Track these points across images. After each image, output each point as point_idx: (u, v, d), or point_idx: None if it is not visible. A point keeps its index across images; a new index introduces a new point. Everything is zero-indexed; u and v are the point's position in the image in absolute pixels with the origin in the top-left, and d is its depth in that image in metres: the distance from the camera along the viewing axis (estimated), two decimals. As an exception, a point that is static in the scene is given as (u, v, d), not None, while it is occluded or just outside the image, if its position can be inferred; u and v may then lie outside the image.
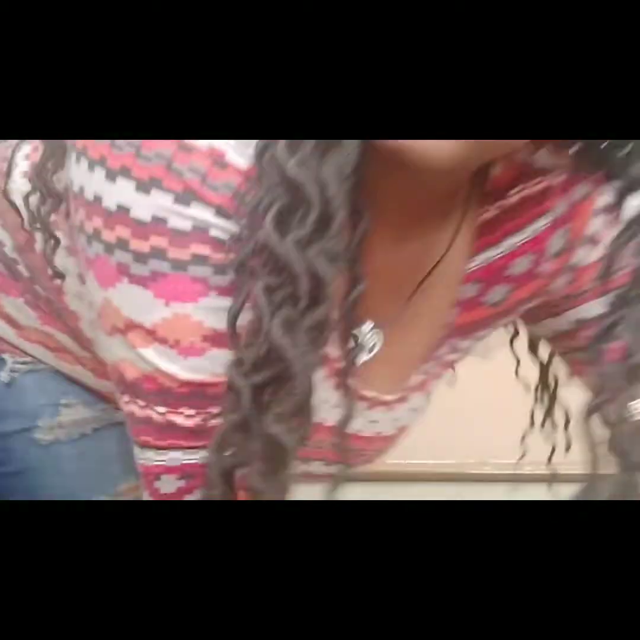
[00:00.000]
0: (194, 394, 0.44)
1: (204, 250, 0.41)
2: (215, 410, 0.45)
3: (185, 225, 0.41)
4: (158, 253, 0.41)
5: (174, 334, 0.42)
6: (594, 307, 0.51)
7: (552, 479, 1.20)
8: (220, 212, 0.42)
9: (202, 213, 0.42)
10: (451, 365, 0.63)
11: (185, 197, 0.41)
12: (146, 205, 0.41)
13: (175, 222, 0.41)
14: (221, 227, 0.42)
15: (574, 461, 1.20)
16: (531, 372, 1.31)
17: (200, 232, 0.41)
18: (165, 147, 0.43)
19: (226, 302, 0.41)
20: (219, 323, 0.42)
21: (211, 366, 0.44)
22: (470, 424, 1.25)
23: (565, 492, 1.15)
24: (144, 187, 0.42)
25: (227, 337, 0.41)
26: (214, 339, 0.43)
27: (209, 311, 0.42)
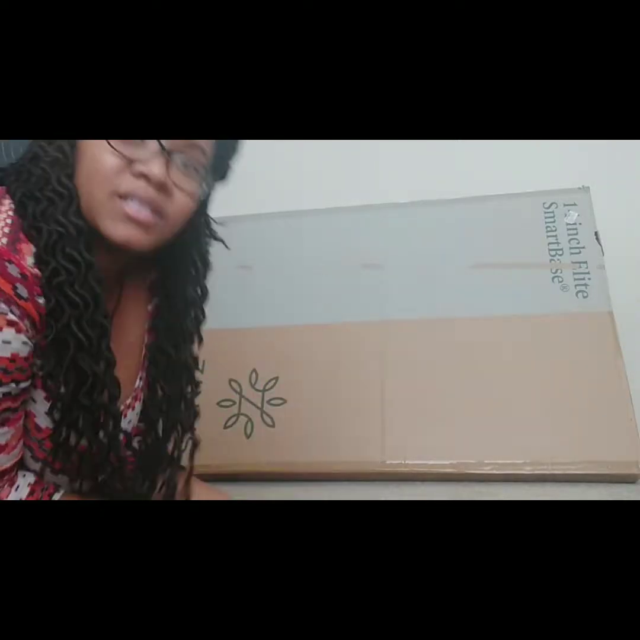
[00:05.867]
0: None
1: None
2: None
3: None
4: None
5: None
6: None
7: (552, 479, 1.21)
8: None
9: None
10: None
11: None
12: None
13: None
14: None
15: (573, 461, 1.21)
16: (528, 373, 1.31)
17: None
18: None
19: None
20: None
21: None
22: (470, 424, 1.25)
23: (565, 492, 1.15)
24: None
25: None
26: None
27: None
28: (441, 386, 1.32)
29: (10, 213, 0.64)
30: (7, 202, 0.65)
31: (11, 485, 0.69)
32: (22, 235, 0.63)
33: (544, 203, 1.45)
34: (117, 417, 0.72)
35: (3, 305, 0.60)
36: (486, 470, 1.23)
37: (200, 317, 0.82)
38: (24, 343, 0.63)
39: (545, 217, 1.43)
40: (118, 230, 0.64)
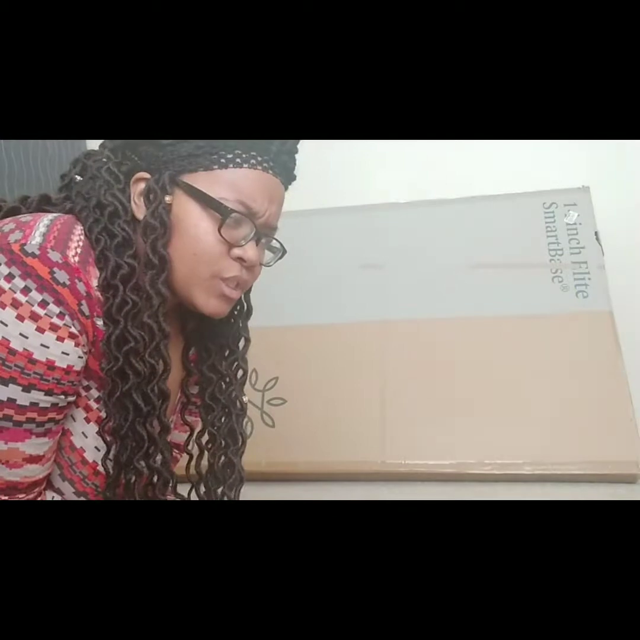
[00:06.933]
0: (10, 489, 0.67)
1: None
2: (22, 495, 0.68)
3: None
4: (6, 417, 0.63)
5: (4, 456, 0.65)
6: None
7: (552, 479, 1.21)
8: None
9: None
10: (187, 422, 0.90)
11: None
12: None
13: None
14: None
15: (573, 461, 1.21)
16: (528, 373, 1.31)
17: None
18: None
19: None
20: (36, 452, 0.66)
21: (24, 472, 0.67)
22: (470, 424, 1.25)
23: (565, 492, 1.15)
24: None
25: None
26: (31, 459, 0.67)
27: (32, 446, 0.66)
28: (441, 386, 1.32)
29: (82, 237, 0.68)
30: (79, 227, 0.68)
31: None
32: (91, 260, 0.67)
33: (544, 203, 1.45)
34: (167, 482, 0.73)
35: (68, 318, 0.63)
36: (486, 470, 1.23)
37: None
38: (80, 357, 0.65)
39: (545, 217, 1.43)
40: (210, 305, 0.72)
